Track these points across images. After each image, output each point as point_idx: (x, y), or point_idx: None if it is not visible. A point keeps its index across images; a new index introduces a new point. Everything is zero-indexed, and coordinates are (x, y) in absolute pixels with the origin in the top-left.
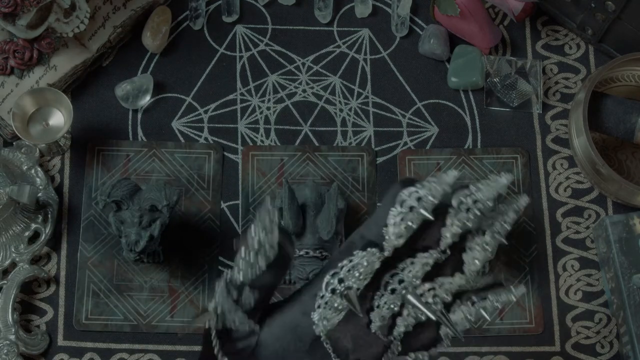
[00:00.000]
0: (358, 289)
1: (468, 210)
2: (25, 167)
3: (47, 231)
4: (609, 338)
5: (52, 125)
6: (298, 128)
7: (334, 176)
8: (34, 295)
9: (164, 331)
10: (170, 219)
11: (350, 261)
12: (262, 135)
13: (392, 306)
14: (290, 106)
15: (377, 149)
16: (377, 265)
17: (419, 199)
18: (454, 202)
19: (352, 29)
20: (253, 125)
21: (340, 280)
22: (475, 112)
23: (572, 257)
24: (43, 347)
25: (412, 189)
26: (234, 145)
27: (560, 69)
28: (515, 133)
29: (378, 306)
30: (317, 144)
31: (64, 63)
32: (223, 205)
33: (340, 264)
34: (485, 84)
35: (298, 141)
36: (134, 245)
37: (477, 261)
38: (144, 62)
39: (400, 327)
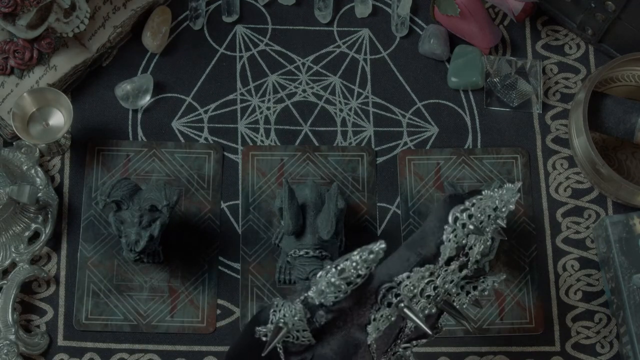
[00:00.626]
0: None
1: (464, 226)
2: (25, 167)
3: (47, 231)
4: (609, 338)
5: (52, 125)
6: (298, 128)
7: (334, 176)
8: (34, 295)
9: (164, 331)
10: (170, 219)
11: (409, 277)
12: (262, 135)
13: (389, 317)
14: (290, 106)
15: (377, 149)
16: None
17: (470, 217)
18: (450, 218)
19: (352, 29)
20: (253, 125)
21: (397, 295)
22: (475, 112)
23: (572, 257)
24: (43, 347)
25: (463, 206)
26: (234, 145)
27: (560, 69)
28: (515, 133)
29: (375, 319)
30: (317, 144)
31: (64, 63)
32: (223, 205)
33: (396, 279)
34: (485, 84)
35: (298, 141)
36: (134, 245)
37: (478, 256)
38: (144, 62)
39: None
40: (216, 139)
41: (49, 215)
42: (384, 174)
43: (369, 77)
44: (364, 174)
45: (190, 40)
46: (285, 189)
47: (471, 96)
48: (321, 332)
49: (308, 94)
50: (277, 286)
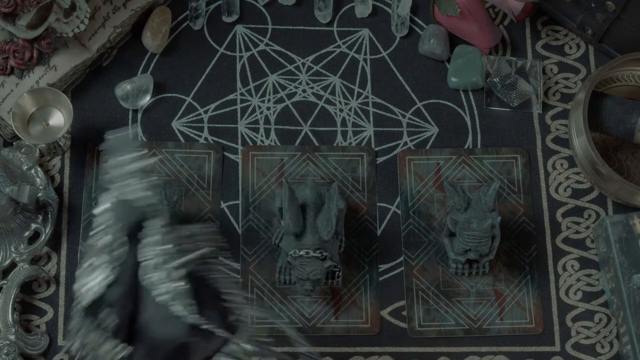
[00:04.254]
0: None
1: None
2: (25, 167)
3: (47, 231)
4: (609, 338)
5: (52, 125)
6: (298, 128)
7: (334, 176)
8: (34, 295)
9: None
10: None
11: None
12: (262, 135)
13: None
14: (290, 106)
15: (377, 149)
16: None
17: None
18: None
19: (352, 29)
20: (253, 125)
21: None
22: (475, 112)
23: (572, 257)
24: (43, 347)
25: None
26: (234, 145)
27: (560, 69)
28: (515, 133)
29: None
30: (317, 144)
31: (64, 63)
32: (223, 205)
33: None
34: (485, 84)
35: (298, 141)
36: None
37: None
38: (144, 62)
39: None
40: (216, 139)
41: (49, 215)
42: (384, 174)
43: (369, 77)
44: (364, 174)
45: (190, 40)
46: (285, 189)
47: (471, 96)
48: None
49: (308, 94)
50: (277, 286)
